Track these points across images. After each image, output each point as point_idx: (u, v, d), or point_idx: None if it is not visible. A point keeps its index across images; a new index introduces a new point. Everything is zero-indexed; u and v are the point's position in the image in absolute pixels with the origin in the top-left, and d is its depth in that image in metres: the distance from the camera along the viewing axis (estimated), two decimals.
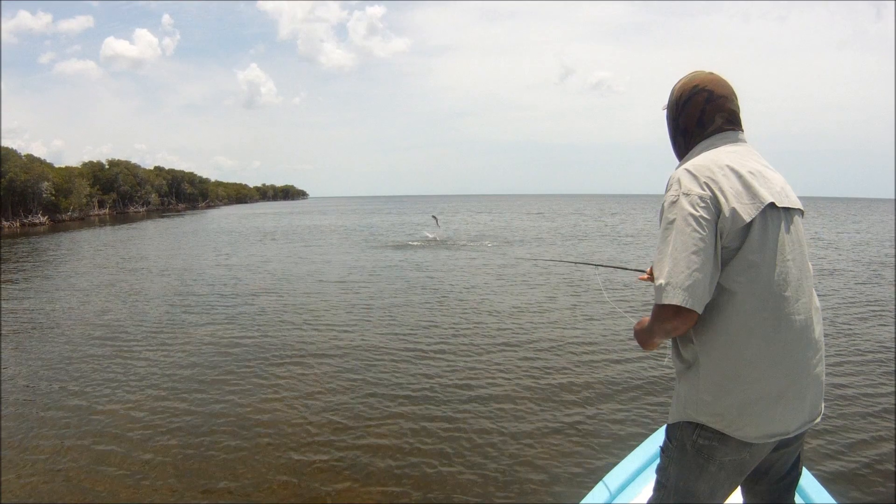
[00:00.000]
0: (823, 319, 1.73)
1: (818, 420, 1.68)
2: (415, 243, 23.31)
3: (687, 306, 1.49)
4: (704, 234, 1.51)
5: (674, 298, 1.50)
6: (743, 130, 1.74)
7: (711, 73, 1.77)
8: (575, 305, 10.14)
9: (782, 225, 1.59)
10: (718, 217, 1.52)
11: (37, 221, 49.44)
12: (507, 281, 13.21)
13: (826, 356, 1.72)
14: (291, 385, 6.21)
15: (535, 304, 10.35)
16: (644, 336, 1.73)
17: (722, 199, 1.53)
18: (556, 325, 8.78)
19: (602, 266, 3.32)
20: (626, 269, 3.08)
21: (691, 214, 1.52)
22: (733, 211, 1.52)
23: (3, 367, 7.13)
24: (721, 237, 1.53)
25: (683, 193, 1.56)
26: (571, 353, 7.21)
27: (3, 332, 9.07)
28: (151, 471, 4.36)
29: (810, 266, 1.68)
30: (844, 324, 8.66)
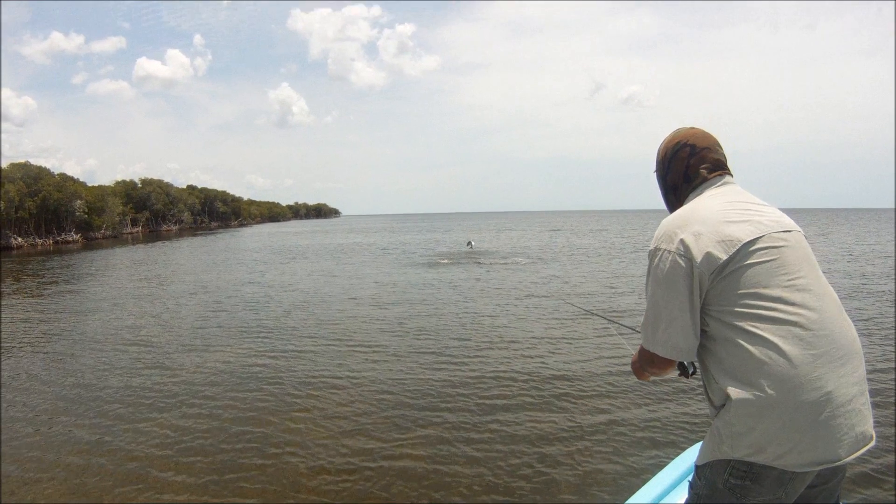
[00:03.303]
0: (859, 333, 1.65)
1: (871, 445, 1.53)
2: (445, 261, 23.31)
3: (661, 355, 1.64)
4: (674, 285, 1.58)
5: (650, 347, 1.66)
6: (731, 174, 1.78)
7: (693, 128, 1.84)
8: (607, 326, 9.92)
9: (777, 250, 1.57)
10: (691, 265, 1.56)
11: (70, 239, 50.79)
12: (540, 299, 13.04)
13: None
14: (324, 396, 6.24)
15: (567, 323, 10.18)
16: (636, 369, 1.83)
17: (693, 246, 1.56)
18: (588, 342, 8.62)
19: (616, 323, 3.32)
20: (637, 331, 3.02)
21: (660, 268, 1.61)
22: (707, 254, 1.54)
23: (35, 380, 7.30)
24: (701, 282, 1.56)
25: (656, 248, 1.65)
26: (606, 367, 7.06)
27: (37, 346, 9.28)
28: (181, 474, 4.40)
29: (825, 281, 1.62)
30: (881, 338, 8.28)
